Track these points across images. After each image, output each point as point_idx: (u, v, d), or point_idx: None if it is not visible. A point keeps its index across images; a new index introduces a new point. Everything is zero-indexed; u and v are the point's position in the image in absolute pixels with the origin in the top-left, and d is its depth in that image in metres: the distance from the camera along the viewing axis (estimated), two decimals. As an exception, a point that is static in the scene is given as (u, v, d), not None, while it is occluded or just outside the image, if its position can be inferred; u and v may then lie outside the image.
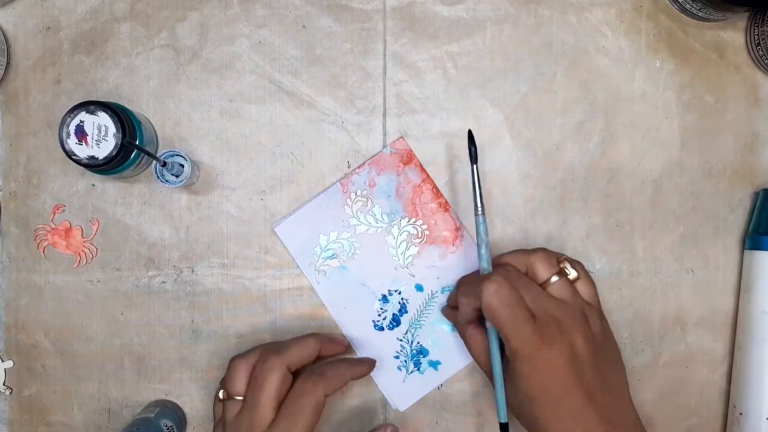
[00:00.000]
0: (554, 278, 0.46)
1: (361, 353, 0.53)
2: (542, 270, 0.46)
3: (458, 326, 0.50)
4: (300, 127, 0.53)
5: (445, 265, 0.53)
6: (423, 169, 0.53)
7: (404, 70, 0.53)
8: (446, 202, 0.53)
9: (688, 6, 0.52)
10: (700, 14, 0.52)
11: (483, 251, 0.47)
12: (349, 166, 0.53)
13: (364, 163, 0.53)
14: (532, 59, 0.53)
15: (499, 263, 0.48)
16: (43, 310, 0.53)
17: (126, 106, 0.49)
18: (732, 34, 0.54)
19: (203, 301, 0.53)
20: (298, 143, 0.53)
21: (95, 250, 0.53)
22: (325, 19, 0.53)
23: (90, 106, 0.46)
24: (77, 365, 0.53)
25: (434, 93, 0.53)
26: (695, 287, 0.54)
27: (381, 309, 0.53)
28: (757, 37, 0.52)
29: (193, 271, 0.53)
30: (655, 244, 0.54)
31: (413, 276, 0.53)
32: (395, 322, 0.53)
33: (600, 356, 0.45)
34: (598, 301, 0.48)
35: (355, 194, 0.53)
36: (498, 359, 0.46)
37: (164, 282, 0.53)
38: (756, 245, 0.52)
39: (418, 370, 0.53)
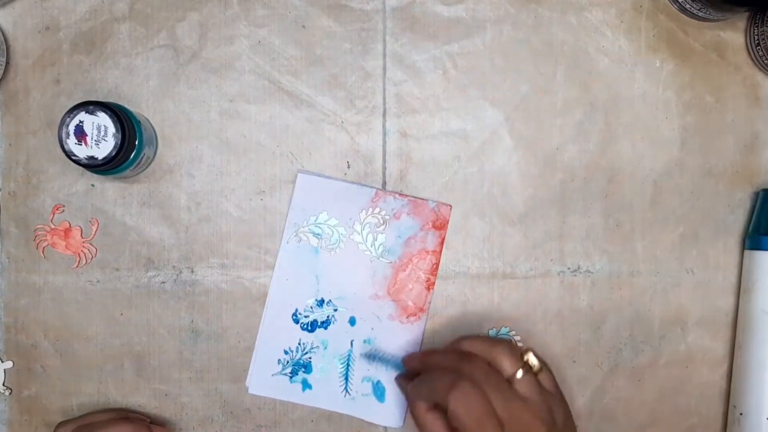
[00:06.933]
0: (520, 373, 0.44)
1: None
2: (508, 365, 0.45)
3: (411, 404, 0.46)
4: (299, 127, 0.53)
5: (387, 329, 0.52)
6: (443, 243, 0.53)
7: (404, 70, 0.53)
8: (434, 282, 0.53)
9: (688, 6, 0.52)
10: (700, 14, 0.52)
11: None
12: (348, 166, 0.53)
13: (407, 195, 0.52)
14: (532, 59, 0.53)
15: (462, 351, 0.46)
16: (43, 310, 0.53)
17: (125, 106, 0.49)
18: (732, 34, 0.54)
19: (203, 301, 0.53)
20: (298, 143, 0.53)
21: (95, 250, 0.53)
22: (325, 19, 0.53)
23: (89, 106, 0.46)
24: (77, 365, 0.53)
25: (434, 93, 0.53)
26: (695, 287, 0.54)
27: (310, 307, 0.53)
28: (757, 37, 0.52)
29: (192, 271, 0.53)
30: (655, 244, 0.54)
31: (354, 309, 0.53)
32: (311, 328, 0.53)
33: None
34: (559, 388, 0.46)
35: (378, 210, 0.53)
36: None
37: (164, 282, 0.53)
38: (756, 245, 0.52)
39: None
